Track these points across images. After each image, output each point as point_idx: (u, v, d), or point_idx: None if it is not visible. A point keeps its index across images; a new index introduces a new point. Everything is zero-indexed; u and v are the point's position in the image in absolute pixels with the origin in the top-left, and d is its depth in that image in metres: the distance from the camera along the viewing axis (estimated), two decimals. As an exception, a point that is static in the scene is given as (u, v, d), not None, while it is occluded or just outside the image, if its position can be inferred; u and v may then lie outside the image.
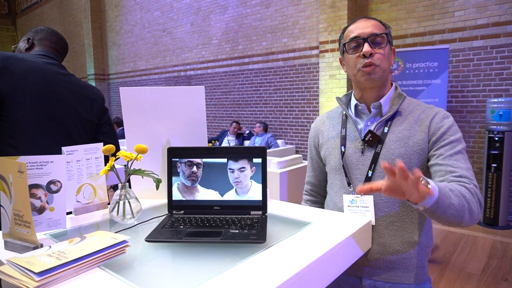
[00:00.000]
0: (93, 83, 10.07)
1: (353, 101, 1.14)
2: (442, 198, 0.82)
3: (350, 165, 1.09)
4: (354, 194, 1.08)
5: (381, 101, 1.08)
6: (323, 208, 1.26)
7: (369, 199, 1.05)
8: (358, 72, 1.06)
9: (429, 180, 0.81)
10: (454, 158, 0.97)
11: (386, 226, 1.04)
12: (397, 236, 1.04)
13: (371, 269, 1.07)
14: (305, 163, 4.11)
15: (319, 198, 1.31)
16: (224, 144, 6.18)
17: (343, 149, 1.11)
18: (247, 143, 6.18)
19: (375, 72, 1.03)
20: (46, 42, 1.46)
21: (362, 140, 1.08)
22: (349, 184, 1.09)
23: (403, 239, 1.04)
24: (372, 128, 1.07)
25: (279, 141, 6.02)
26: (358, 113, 1.14)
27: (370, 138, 1.05)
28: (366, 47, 1.03)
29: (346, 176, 1.10)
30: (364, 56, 1.03)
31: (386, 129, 1.06)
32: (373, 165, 1.05)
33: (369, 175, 1.05)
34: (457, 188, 0.89)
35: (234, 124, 6.24)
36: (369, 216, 1.04)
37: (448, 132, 1.01)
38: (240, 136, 6.28)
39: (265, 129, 6.03)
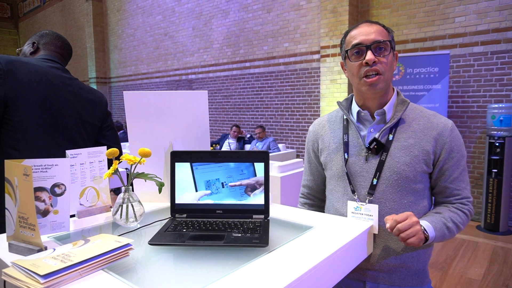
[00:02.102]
0: (94, 87, 10.10)
1: (355, 107, 1.13)
2: (437, 238, 1.00)
3: (354, 172, 1.09)
4: (358, 201, 1.07)
5: (385, 108, 1.07)
6: (320, 211, 1.26)
7: (374, 208, 1.04)
8: (361, 81, 1.04)
9: (427, 229, 0.98)
10: (459, 179, 1.06)
11: (389, 231, 1.04)
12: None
13: (374, 273, 1.07)
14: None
15: (316, 202, 1.30)
16: (225, 147, 6.19)
17: (346, 156, 1.10)
18: (248, 147, 6.18)
19: (378, 82, 1.02)
20: (51, 47, 1.47)
21: (366, 148, 1.06)
22: (353, 191, 1.09)
23: (406, 243, 1.04)
24: (376, 135, 1.06)
25: (279, 145, 6.03)
26: (360, 119, 1.13)
27: (375, 146, 1.04)
28: (369, 55, 1.00)
29: (350, 183, 1.09)
30: (367, 64, 1.01)
31: (390, 137, 1.05)
32: (378, 173, 1.04)
33: (374, 183, 1.04)
34: (453, 220, 1.03)
35: (234, 127, 6.25)
36: (371, 222, 1.04)
37: (455, 149, 1.04)
38: (241, 140, 6.29)
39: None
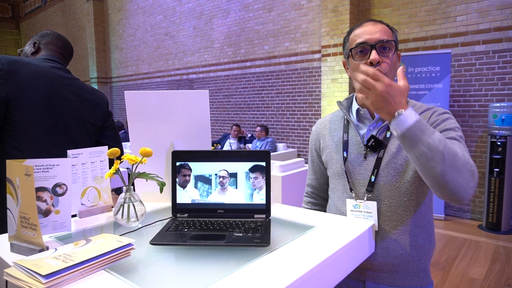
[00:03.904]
0: (95, 87, 10.12)
1: (355, 106, 1.13)
2: (413, 131, 0.80)
3: (353, 170, 1.09)
4: (357, 199, 1.08)
5: None
6: (323, 210, 1.26)
7: (372, 205, 1.04)
8: None
9: (407, 111, 0.81)
10: (450, 142, 0.90)
11: (389, 230, 1.04)
12: (401, 240, 1.04)
13: (374, 273, 1.07)
14: (307, 166, 4.12)
15: (320, 201, 1.31)
16: (226, 147, 6.19)
17: (345, 154, 1.11)
18: (249, 146, 6.19)
19: None
20: (52, 47, 1.47)
21: (364, 145, 1.07)
22: (351, 189, 1.09)
23: (406, 243, 1.04)
24: (374, 133, 1.06)
25: (280, 145, 6.03)
26: (360, 117, 1.13)
27: (373, 143, 1.04)
28: (374, 55, 0.98)
29: (349, 181, 1.09)
30: (371, 63, 0.99)
31: (388, 134, 1.06)
32: (376, 170, 1.04)
33: (372, 180, 1.04)
34: (446, 141, 0.83)
35: (234, 127, 6.26)
36: (370, 219, 1.04)
37: (442, 123, 0.99)
38: (242, 139, 6.29)
39: (266, 132, 6.04)
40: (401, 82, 0.85)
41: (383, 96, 0.81)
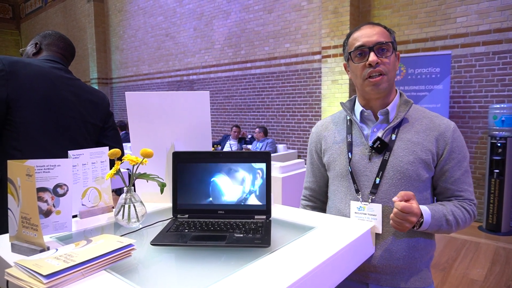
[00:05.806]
0: (96, 87, 10.12)
1: (358, 107, 1.14)
2: (432, 227, 1.00)
3: (357, 171, 1.09)
4: (362, 201, 1.07)
5: (388, 108, 1.08)
6: (322, 213, 1.26)
7: (377, 208, 1.04)
8: (364, 82, 1.05)
9: (424, 214, 0.97)
10: (461, 180, 1.05)
11: (392, 232, 1.04)
12: (403, 242, 1.04)
13: (377, 275, 1.07)
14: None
15: (318, 204, 1.30)
16: (226, 148, 6.19)
17: (350, 156, 1.10)
18: (249, 147, 6.18)
19: (382, 82, 1.03)
20: (54, 48, 1.48)
21: (370, 147, 1.07)
22: (357, 191, 1.09)
23: (409, 244, 1.04)
24: (380, 135, 1.06)
25: (280, 146, 6.03)
26: (363, 119, 1.14)
27: (379, 145, 1.05)
28: (372, 57, 1.02)
29: (355, 182, 1.09)
30: (370, 65, 1.03)
31: (394, 136, 1.06)
32: (381, 172, 1.04)
33: (377, 182, 1.05)
34: (455, 214, 1.02)
35: (234, 128, 6.26)
36: (374, 222, 1.04)
37: (457, 150, 1.05)
38: (242, 140, 6.29)
39: (265, 134, 6.03)
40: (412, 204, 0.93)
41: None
